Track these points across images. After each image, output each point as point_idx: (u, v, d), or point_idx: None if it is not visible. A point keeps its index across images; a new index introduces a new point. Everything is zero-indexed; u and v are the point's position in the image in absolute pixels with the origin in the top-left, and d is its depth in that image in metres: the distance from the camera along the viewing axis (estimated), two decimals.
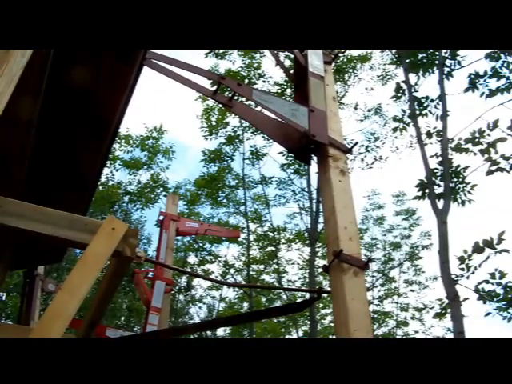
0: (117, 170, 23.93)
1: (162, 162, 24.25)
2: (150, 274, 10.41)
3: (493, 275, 11.94)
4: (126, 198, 24.30)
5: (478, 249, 11.90)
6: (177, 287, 22.40)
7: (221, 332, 26.64)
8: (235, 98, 4.78)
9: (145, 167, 24.22)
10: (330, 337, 26.57)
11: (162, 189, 24.40)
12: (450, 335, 24.94)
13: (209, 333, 24.10)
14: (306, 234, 24.43)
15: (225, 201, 25.70)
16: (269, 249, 26.18)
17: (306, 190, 23.72)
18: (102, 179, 21.22)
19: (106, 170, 21.16)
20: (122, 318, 23.33)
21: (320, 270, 22.48)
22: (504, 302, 11.87)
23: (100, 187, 20.63)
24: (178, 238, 16.26)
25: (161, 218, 11.24)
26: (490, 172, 13.14)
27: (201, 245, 25.70)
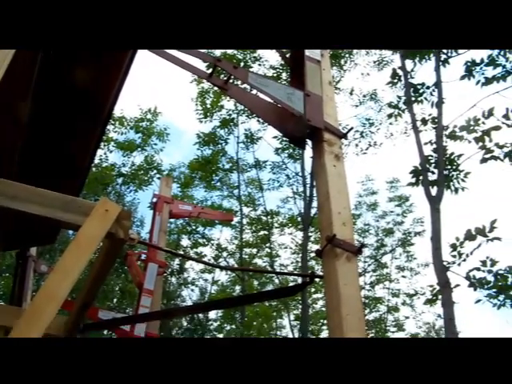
0: (110, 152, 23.90)
1: (156, 144, 24.22)
2: (143, 257, 10.41)
3: (484, 263, 12.02)
4: (120, 180, 24.27)
5: (470, 236, 11.96)
6: (169, 270, 22.43)
7: (213, 315, 26.79)
8: (231, 80, 4.75)
9: (139, 149, 24.18)
10: (321, 321, 26.74)
11: (155, 171, 24.38)
12: (441, 321, 25.14)
13: (201, 315, 24.22)
14: (299, 219, 24.48)
15: (218, 184, 25.73)
16: (262, 233, 26.24)
17: (300, 174, 23.77)
18: (96, 161, 21.17)
19: (99, 152, 21.10)
20: (115, 300, 23.38)
21: (312, 254, 22.56)
22: (494, 290, 11.97)
23: (93, 169, 20.58)
24: (171, 220, 16.24)
25: (154, 200, 11.22)
26: (483, 160, 13.16)
27: (194, 228, 25.73)
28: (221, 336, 27.13)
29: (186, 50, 4.62)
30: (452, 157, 13.86)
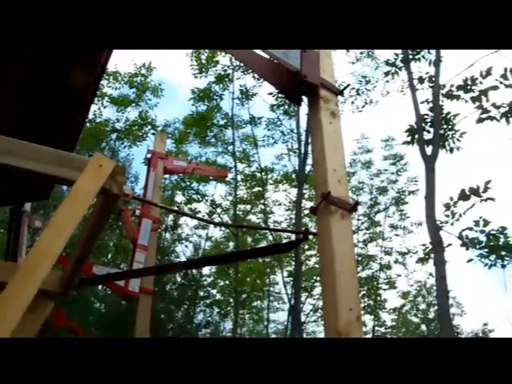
0: (104, 107, 23.70)
1: (150, 99, 24.01)
2: (137, 212, 10.42)
3: (477, 223, 12.08)
4: (114, 136, 24.13)
5: (463, 196, 12.00)
6: (163, 225, 22.51)
7: (206, 271, 27.00)
8: None
9: (133, 105, 23.97)
10: (314, 278, 26.99)
11: (150, 127, 24.24)
12: (432, 280, 25.40)
13: (194, 271, 24.40)
14: (293, 176, 24.50)
15: (213, 140, 25.62)
16: (256, 189, 26.27)
17: (295, 131, 23.68)
18: (90, 116, 21.01)
19: (93, 107, 20.90)
20: (109, 256, 23.50)
21: (306, 211, 22.65)
22: (486, 250, 12.06)
23: (87, 124, 20.43)
24: (166, 176, 16.24)
25: (148, 156, 11.18)
26: (480, 120, 13.11)
27: (188, 184, 25.72)
28: (214, 291, 27.40)
29: None
30: (448, 116, 13.81)
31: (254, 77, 22.61)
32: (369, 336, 27.85)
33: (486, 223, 12.07)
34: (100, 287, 20.74)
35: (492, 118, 13.03)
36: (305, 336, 26.07)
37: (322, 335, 29.57)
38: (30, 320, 3.65)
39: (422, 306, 32.79)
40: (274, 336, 31.51)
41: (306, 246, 25.81)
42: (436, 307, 26.08)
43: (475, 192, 11.84)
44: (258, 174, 25.76)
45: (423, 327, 32.89)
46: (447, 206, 12.22)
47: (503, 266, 12.32)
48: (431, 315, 32.01)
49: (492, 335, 29.06)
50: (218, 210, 26.25)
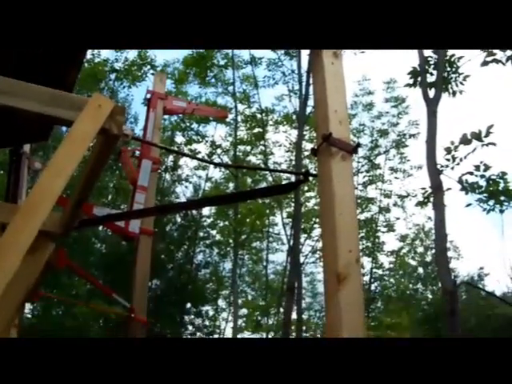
0: None
1: None
2: (137, 153, 10.39)
3: (477, 167, 12.05)
4: (113, 76, 23.86)
5: (465, 140, 11.92)
6: (163, 166, 22.51)
7: (206, 212, 27.14)
8: None
9: None
10: (314, 219, 27.17)
11: (149, 67, 23.95)
12: (431, 224, 25.58)
13: (194, 212, 24.53)
14: (293, 117, 24.35)
15: (213, 80, 25.37)
16: (256, 130, 26.16)
17: (296, 72, 23.40)
18: (88, 56, 20.73)
19: None
20: (109, 197, 23.58)
21: (306, 153, 22.63)
22: (485, 194, 12.07)
23: (86, 64, 20.16)
24: (165, 117, 16.14)
25: (148, 96, 11.06)
26: (485, 63, 12.87)
27: (188, 124, 25.60)
28: (214, 232, 27.61)
29: None
30: (452, 59, 13.57)
31: None
32: (366, 278, 28.25)
33: (487, 168, 12.03)
34: (101, 228, 20.89)
35: (497, 61, 12.80)
36: (303, 276, 26.45)
37: (320, 276, 30.00)
38: (31, 261, 3.67)
39: (420, 250, 33.11)
40: (272, 276, 31.97)
41: (306, 188, 25.89)
42: (433, 250, 26.39)
43: (477, 136, 11.75)
44: (259, 115, 25.60)
45: (420, 270, 33.30)
46: (448, 150, 12.16)
47: (501, 212, 12.37)
48: (428, 258, 32.36)
49: (487, 279, 29.47)
50: (218, 151, 26.22)
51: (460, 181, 12.05)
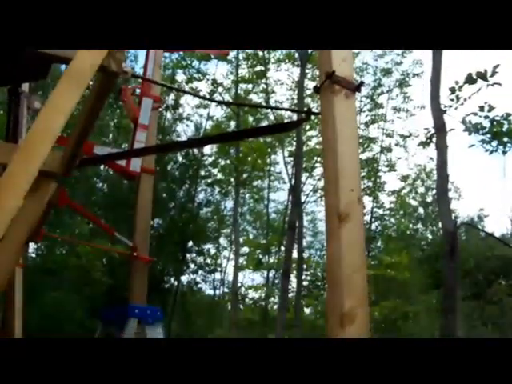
0: None
1: None
2: (138, 91, 10.28)
3: (481, 108, 11.90)
4: None
5: (470, 80, 11.73)
6: (164, 105, 22.32)
7: (208, 150, 27.09)
8: None
9: None
10: (315, 158, 27.16)
11: None
12: (432, 164, 25.57)
13: (196, 151, 24.49)
14: (296, 55, 24.01)
15: None
16: (258, 68, 25.86)
17: None
18: None
19: None
20: (110, 136, 23.48)
21: (308, 92, 22.42)
22: (489, 135, 11.97)
23: None
24: (166, 54, 15.91)
25: None
26: None
27: (189, 62, 25.28)
28: (215, 171, 27.62)
29: None
30: None
31: None
32: (367, 217, 28.45)
33: (491, 109, 11.89)
34: (102, 167, 20.90)
35: None
36: (304, 215, 26.61)
37: (321, 215, 30.22)
38: (32, 201, 3.68)
39: (421, 190, 33.24)
40: (274, 215, 32.19)
41: (308, 127, 25.78)
42: (434, 191, 26.47)
43: (482, 76, 11.56)
44: (260, 53, 25.25)
45: (421, 210, 33.50)
46: (452, 90, 11.99)
47: (504, 153, 12.28)
48: (429, 199, 32.52)
49: (487, 220, 29.65)
50: (220, 89, 26.00)
51: (463, 121, 11.93)
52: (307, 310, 29.96)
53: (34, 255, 20.65)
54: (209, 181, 26.35)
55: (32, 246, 18.26)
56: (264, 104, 26.02)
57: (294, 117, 19.98)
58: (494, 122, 11.81)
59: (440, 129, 11.55)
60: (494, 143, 12.01)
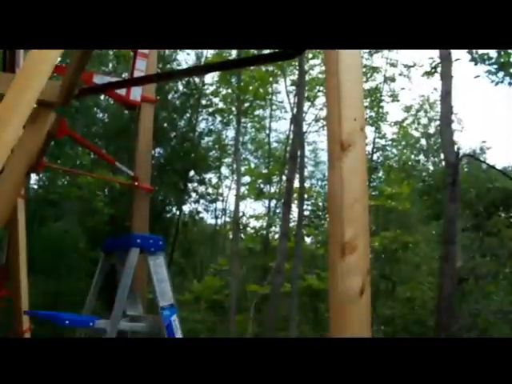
0: None
1: None
2: None
3: None
4: None
5: None
6: None
7: (208, 79, 26.78)
8: None
9: None
10: (317, 88, 26.86)
11: None
12: (436, 95, 25.28)
13: (197, 80, 24.23)
14: None
15: None
16: None
17: None
18: None
19: None
20: (110, 65, 23.17)
21: None
22: (495, 66, 11.75)
23: None
24: None
25: None
26: None
27: None
28: (216, 100, 27.36)
29: None
30: None
31: None
32: (369, 147, 28.37)
33: None
34: (102, 97, 20.71)
35: None
36: (306, 145, 26.54)
37: (323, 145, 30.14)
38: (31, 131, 3.65)
39: (424, 121, 32.99)
40: (275, 145, 32.11)
41: (310, 55, 25.39)
42: (437, 122, 26.27)
43: None
44: None
45: (423, 141, 33.36)
46: None
47: (510, 84, 12.11)
48: (432, 130, 32.32)
49: (489, 153, 29.51)
50: None
51: (470, 51, 11.70)
52: (308, 240, 30.26)
53: (35, 186, 20.74)
54: (210, 110, 26.17)
55: (33, 177, 18.32)
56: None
57: None
58: (502, 53, 11.59)
59: (445, 58, 11.35)
60: (501, 74, 11.82)
